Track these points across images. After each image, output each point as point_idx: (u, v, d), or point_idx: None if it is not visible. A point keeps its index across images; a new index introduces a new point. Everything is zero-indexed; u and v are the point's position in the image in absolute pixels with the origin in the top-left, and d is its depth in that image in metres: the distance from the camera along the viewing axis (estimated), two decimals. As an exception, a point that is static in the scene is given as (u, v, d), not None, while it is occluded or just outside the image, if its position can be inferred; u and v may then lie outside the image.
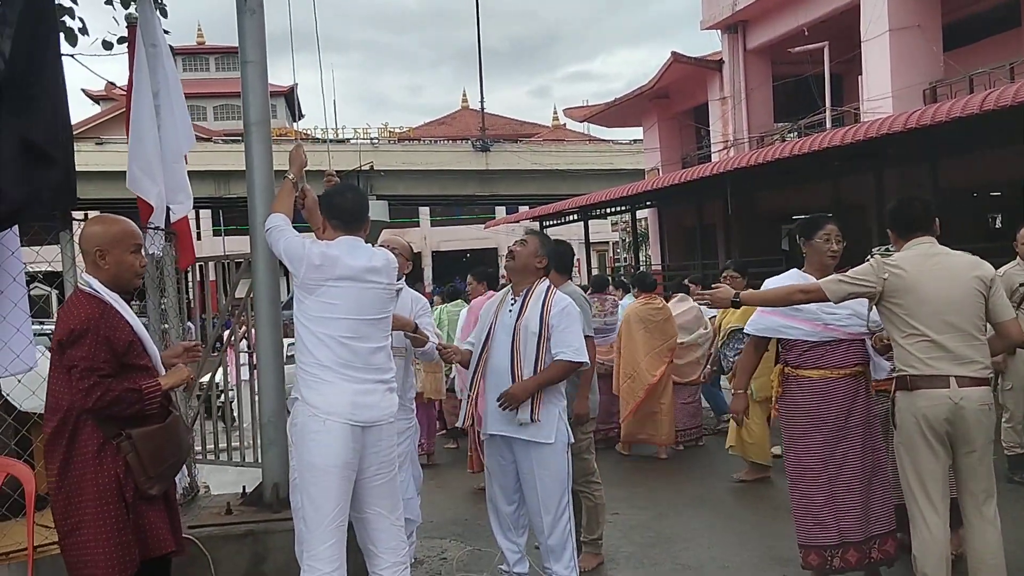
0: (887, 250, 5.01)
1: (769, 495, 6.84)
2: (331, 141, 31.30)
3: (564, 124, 48.45)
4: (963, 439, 3.94)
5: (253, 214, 4.56)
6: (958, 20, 15.55)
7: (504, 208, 41.65)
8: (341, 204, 3.96)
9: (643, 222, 26.93)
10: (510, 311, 4.54)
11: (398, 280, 4.34)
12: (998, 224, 15.68)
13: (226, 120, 50.56)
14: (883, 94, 14.46)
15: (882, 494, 4.45)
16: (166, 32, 5.17)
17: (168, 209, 4.74)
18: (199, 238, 43.47)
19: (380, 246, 4.35)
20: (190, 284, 5.92)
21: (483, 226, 29.96)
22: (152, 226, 4.68)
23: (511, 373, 4.40)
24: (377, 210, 32.28)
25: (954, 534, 4.30)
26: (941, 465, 3.98)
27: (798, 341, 4.49)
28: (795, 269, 4.68)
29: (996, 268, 6.36)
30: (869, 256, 4.32)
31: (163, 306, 5.16)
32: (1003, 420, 6.48)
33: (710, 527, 6.07)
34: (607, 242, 45.79)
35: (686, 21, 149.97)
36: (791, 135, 17.27)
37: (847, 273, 4.14)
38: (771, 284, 4.62)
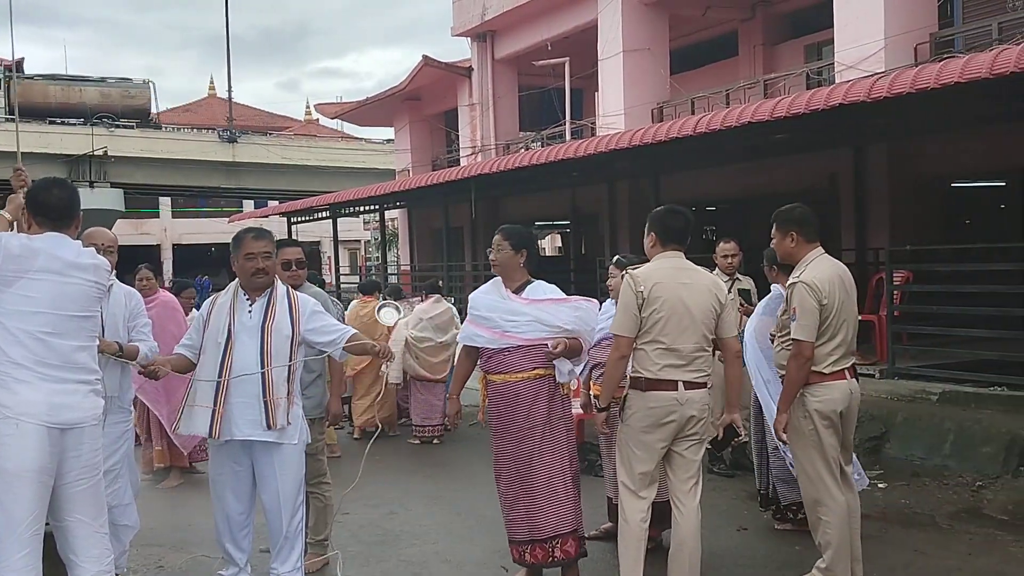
0: (627, 260, 5.40)
1: (496, 490, 7.12)
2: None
3: (317, 119, 47.69)
4: (682, 435, 4.36)
5: (-55, 203, 4.19)
6: (684, 47, 16.83)
7: (252, 202, 40.38)
8: (46, 200, 3.74)
9: (393, 222, 27.03)
10: (249, 312, 4.43)
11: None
12: (713, 237, 17.13)
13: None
14: (616, 111, 15.38)
15: (565, 493, 4.68)
16: None
17: None
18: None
19: (86, 244, 4.12)
20: None
21: (228, 220, 28.80)
22: None
23: (261, 376, 4.32)
24: (111, 198, 30.34)
25: (654, 529, 4.75)
26: (657, 459, 4.38)
27: (486, 348, 4.74)
28: (492, 281, 4.91)
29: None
30: (623, 274, 4.55)
31: None
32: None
33: (440, 524, 6.23)
34: (359, 240, 45.56)
35: (438, 26, 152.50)
36: (535, 144, 17.98)
37: (617, 309, 4.40)
38: (474, 300, 4.85)
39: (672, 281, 4.34)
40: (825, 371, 4.54)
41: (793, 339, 4.48)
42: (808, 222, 4.69)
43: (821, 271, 4.55)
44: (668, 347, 4.30)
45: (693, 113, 13.98)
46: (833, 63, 11.92)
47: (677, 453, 4.40)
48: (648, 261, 4.81)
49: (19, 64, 50.12)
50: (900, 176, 11.77)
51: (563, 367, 4.74)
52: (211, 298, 4.72)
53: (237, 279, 4.57)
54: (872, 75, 8.98)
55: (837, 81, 10.95)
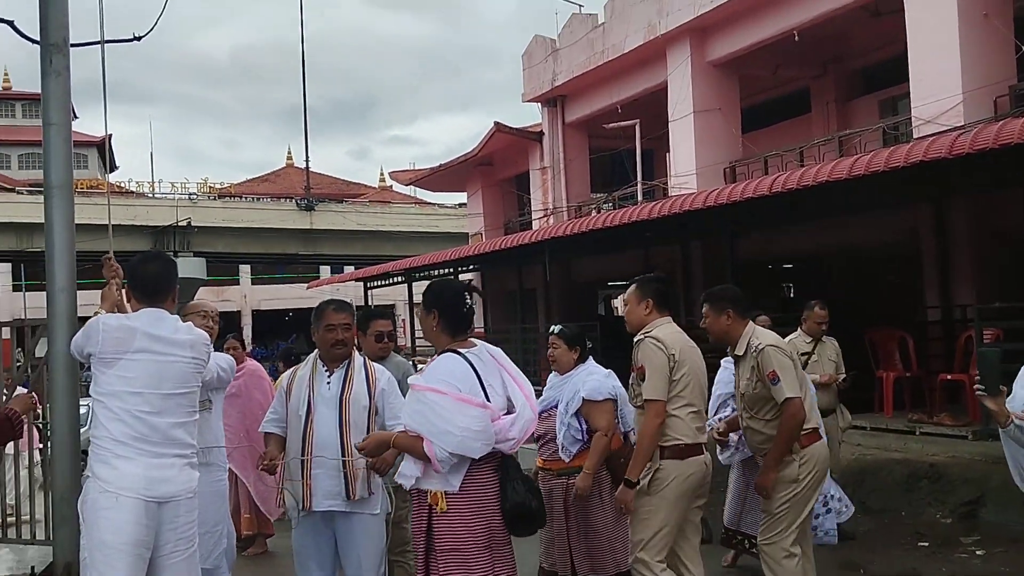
0: (569, 331, 5.36)
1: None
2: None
3: (391, 186, 48.66)
4: (698, 499, 4.49)
5: (51, 280, 4.36)
6: (755, 105, 16.82)
7: (328, 268, 41.18)
8: (142, 275, 3.87)
9: (467, 285, 27.23)
10: (328, 384, 4.46)
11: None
12: (791, 295, 16.89)
13: (32, 169, 47.77)
14: (688, 171, 15.39)
15: None
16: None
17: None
18: (-4, 294, 40.61)
19: (187, 314, 4.25)
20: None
21: (306, 286, 29.43)
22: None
23: (340, 447, 4.33)
24: (194, 267, 31.28)
25: None
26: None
27: None
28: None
29: (785, 336, 6.94)
30: (645, 340, 4.47)
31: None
32: None
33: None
34: (432, 303, 45.87)
35: (503, 91, 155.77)
36: (606, 205, 18.05)
37: (650, 374, 4.33)
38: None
39: (687, 344, 4.46)
40: (816, 426, 4.67)
41: (786, 399, 4.46)
42: (740, 300, 4.81)
43: (771, 335, 4.72)
44: (698, 410, 4.42)
45: (767, 171, 13.91)
46: (910, 118, 11.76)
47: (688, 519, 4.48)
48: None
49: (105, 141, 52.47)
50: (984, 230, 11.47)
51: (403, 467, 3.78)
52: (291, 370, 4.76)
53: (317, 350, 4.61)
54: (952, 130, 8.86)
55: (915, 136, 10.80)
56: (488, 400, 3.62)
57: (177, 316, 3.90)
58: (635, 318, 4.60)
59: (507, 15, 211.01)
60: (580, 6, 18.94)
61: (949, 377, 9.84)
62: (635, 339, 4.54)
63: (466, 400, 3.57)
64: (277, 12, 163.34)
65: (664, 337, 4.39)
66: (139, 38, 5.26)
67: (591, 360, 5.20)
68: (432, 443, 3.55)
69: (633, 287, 4.66)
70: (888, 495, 8.04)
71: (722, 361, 6.15)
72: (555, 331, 5.34)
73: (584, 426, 4.95)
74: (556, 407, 5.05)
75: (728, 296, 4.81)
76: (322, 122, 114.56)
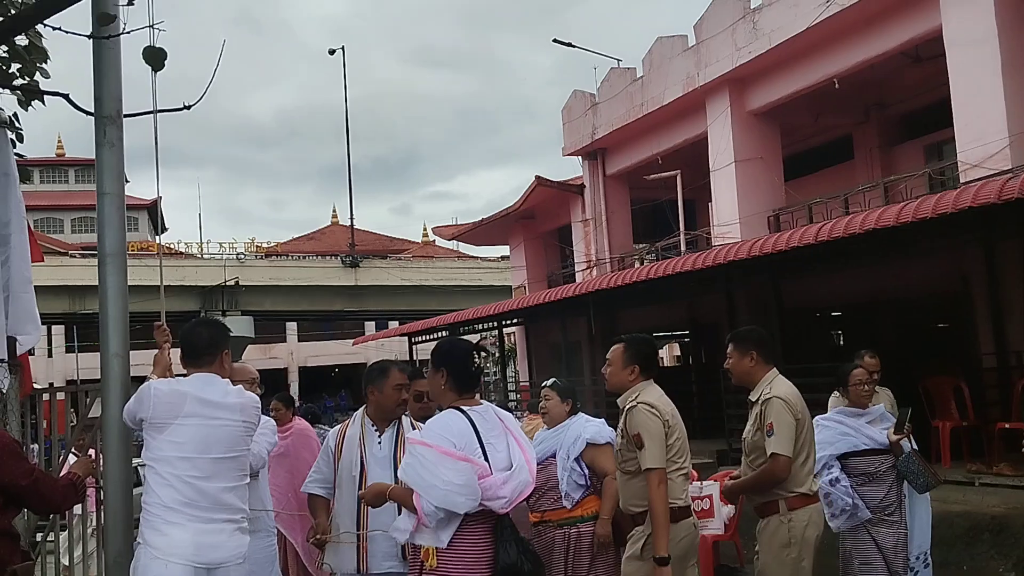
0: (563, 384, 5.29)
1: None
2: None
3: (433, 241, 49.10)
4: (693, 555, 4.42)
5: (105, 346, 4.43)
6: (797, 153, 16.75)
7: (374, 324, 41.51)
8: (189, 340, 3.94)
9: (511, 337, 27.29)
10: (379, 443, 4.43)
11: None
12: (840, 342, 16.64)
13: (84, 233, 49.04)
14: (731, 220, 15.31)
15: None
16: (19, 156, 5.08)
17: (15, 341, 4.56)
18: (50, 355, 41.49)
19: (234, 380, 4.28)
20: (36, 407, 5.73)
21: (352, 342, 29.69)
22: (-2, 359, 4.50)
23: (397, 507, 4.27)
24: (242, 326, 31.71)
25: None
26: None
27: None
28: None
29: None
30: (636, 406, 4.37)
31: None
32: None
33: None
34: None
35: (541, 145, 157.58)
36: (649, 256, 18.01)
37: (648, 442, 4.24)
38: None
39: (673, 408, 4.41)
40: (808, 492, 4.47)
41: (772, 453, 4.37)
42: (767, 344, 4.73)
43: (789, 388, 4.54)
44: (686, 473, 4.39)
45: (811, 219, 13.81)
46: (956, 162, 11.63)
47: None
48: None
49: (155, 204, 53.72)
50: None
51: (398, 520, 3.83)
52: (337, 429, 4.73)
53: (363, 408, 4.58)
54: (999, 174, 8.74)
55: (962, 180, 10.67)
56: (486, 457, 3.62)
57: (227, 380, 3.94)
58: (618, 381, 4.48)
59: (545, 70, 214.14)
60: (619, 60, 19.14)
61: (1007, 426, 9.60)
62: (623, 405, 4.43)
63: (449, 454, 3.54)
64: (320, 74, 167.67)
65: (656, 402, 4.33)
66: (189, 107, 5.39)
67: (581, 413, 5.21)
68: (421, 496, 3.55)
69: (619, 348, 4.54)
70: (949, 549, 7.81)
71: (818, 419, 5.33)
72: (548, 384, 5.36)
73: (586, 471, 4.96)
74: (552, 456, 5.03)
75: (754, 338, 4.71)
76: (365, 179, 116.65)
